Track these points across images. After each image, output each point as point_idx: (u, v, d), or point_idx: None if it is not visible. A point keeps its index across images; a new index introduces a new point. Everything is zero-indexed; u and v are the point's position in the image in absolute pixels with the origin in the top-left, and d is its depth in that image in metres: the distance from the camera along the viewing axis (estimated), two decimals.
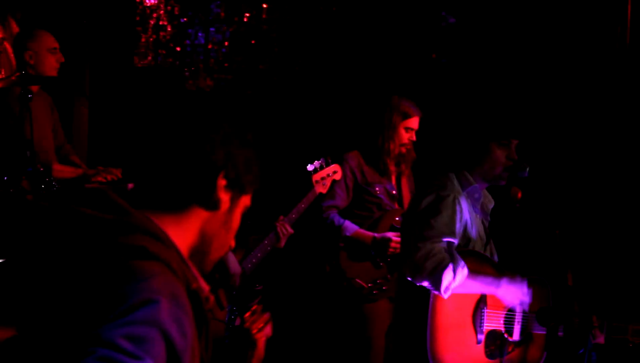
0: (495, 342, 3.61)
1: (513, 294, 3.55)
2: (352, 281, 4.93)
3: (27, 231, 1.72)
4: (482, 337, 3.57)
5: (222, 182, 1.83)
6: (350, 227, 4.97)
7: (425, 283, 3.44)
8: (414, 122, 5.04)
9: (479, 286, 3.55)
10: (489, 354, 3.60)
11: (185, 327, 1.60)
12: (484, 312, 3.57)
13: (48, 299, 1.60)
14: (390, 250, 4.90)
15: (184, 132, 1.84)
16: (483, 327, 3.58)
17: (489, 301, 3.58)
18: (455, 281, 3.41)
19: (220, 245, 1.90)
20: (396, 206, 5.09)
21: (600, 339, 3.73)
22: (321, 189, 4.77)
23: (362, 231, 4.97)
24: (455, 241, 3.54)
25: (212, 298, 1.79)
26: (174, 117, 1.88)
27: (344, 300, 5.00)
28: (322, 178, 4.78)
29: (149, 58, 6.29)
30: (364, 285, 4.92)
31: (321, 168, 4.79)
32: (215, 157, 1.83)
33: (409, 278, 3.50)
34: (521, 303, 3.58)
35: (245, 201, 1.92)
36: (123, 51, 6.32)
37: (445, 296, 3.43)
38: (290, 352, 5.40)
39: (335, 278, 5.01)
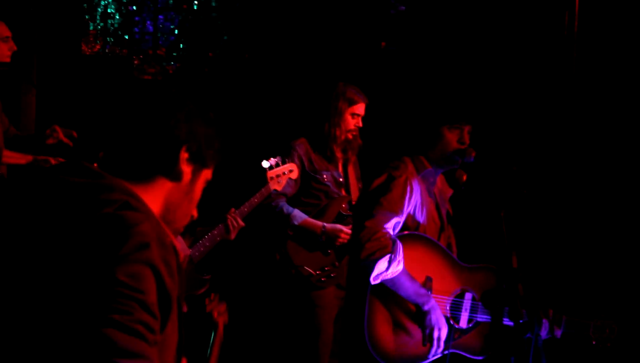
0: None
1: (436, 317, 3.56)
2: (301, 269, 4.94)
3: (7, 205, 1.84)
4: None
5: (184, 155, 1.96)
6: (299, 216, 4.98)
7: (361, 264, 3.47)
8: (359, 108, 5.07)
9: (407, 292, 3.55)
10: None
11: (173, 268, 1.76)
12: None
13: (43, 265, 1.71)
14: (340, 240, 4.93)
15: (150, 109, 1.98)
16: None
17: (434, 285, 3.59)
18: (387, 273, 3.44)
19: (183, 214, 2.02)
20: (343, 193, 5.12)
21: (557, 333, 3.77)
22: (276, 186, 4.80)
23: (310, 220, 4.99)
24: (402, 220, 3.57)
25: (181, 255, 1.91)
26: (140, 97, 2.00)
27: (293, 288, 5.02)
28: (278, 176, 4.80)
29: (97, 46, 6.23)
30: (312, 272, 4.93)
31: (277, 165, 4.81)
32: (179, 131, 1.96)
33: (351, 255, 3.55)
34: (439, 330, 3.56)
35: (206, 174, 2.04)
36: (71, 39, 6.25)
37: (373, 283, 3.47)
38: (240, 339, 5.40)
39: (284, 266, 5.02)
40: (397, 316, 3.58)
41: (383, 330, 3.53)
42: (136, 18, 6.16)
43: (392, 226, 3.53)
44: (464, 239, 3.88)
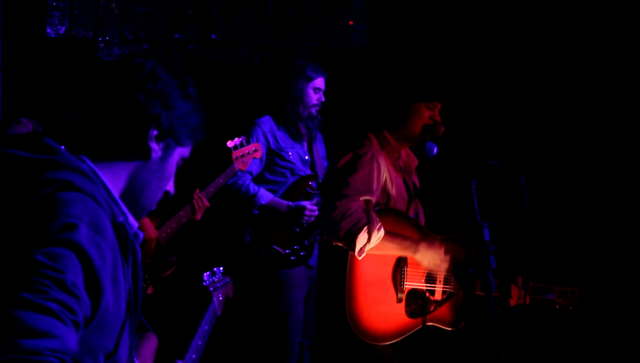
0: (416, 301, 3.60)
1: (431, 257, 3.54)
2: (270, 249, 4.92)
3: None
4: (402, 295, 3.56)
5: (153, 132, 1.87)
6: (265, 195, 4.97)
7: (341, 244, 3.42)
8: (320, 82, 5.08)
9: (396, 248, 3.52)
10: (410, 313, 3.59)
11: (105, 252, 1.69)
12: (404, 271, 3.56)
13: None
14: (305, 218, 4.91)
15: (115, 81, 1.88)
16: (404, 285, 3.56)
17: (409, 260, 3.57)
18: (370, 243, 3.38)
19: (151, 193, 1.94)
20: (309, 171, 5.10)
21: (526, 300, 3.78)
22: (240, 166, 4.77)
23: (276, 199, 4.98)
24: (373, 198, 3.52)
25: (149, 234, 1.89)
26: (107, 68, 1.91)
27: (262, 268, 5.00)
28: (242, 155, 4.77)
29: (63, 29, 6.16)
30: (281, 251, 4.91)
31: (242, 145, 4.78)
32: (149, 107, 1.86)
33: (325, 237, 3.49)
34: (439, 267, 3.58)
35: (182, 152, 1.96)
36: (35, 21, 6.17)
37: (359, 257, 3.41)
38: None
39: (253, 246, 5.00)
40: (377, 290, 3.55)
41: (363, 307, 3.50)
42: (100, 3, 6.09)
43: (363, 203, 3.48)
44: (434, 211, 3.87)
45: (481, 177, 3.33)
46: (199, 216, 4.59)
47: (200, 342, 2.42)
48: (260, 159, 4.99)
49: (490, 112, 5.73)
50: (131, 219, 1.90)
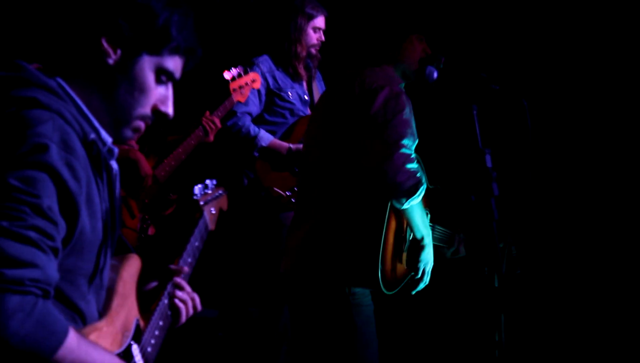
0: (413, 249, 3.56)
1: (431, 251, 3.50)
2: (270, 191, 4.88)
3: None
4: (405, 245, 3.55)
5: (104, 37, 1.78)
6: (266, 137, 4.90)
7: (391, 186, 3.17)
8: (320, 21, 4.97)
9: (420, 220, 3.38)
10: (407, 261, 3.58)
11: (78, 172, 1.66)
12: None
13: None
14: None
15: None
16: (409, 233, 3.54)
17: None
18: (419, 197, 3.24)
19: (121, 104, 1.82)
20: (309, 111, 5.03)
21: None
22: (239, 97, 4.68)
23: (277, 141, 4.92)
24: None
25: (123, 149, 1.82)
26: None
27: (262, 210, 4.95)
28: (240, 87, 4.68)
29: None
30: (282, 193, 4.86)
31: (239, 76, 4.68)
32: (100, 12, 1.77)
33: (376, 176, 3.18)
34: (431, 264, 3.51)
35: (156, 61, 1.83)
36: None
37: (404, 207, 3.23)
38: (207, 264, 5.32)
39: (253, 188, 4.94)
40: (397, 243, 3.48)
41: (389, 253, 3.39)
42: None
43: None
44: (434, 137, 3.76)
45: (483, 102, 3.26)
46: (212, 137, 4.51)
47: (190, 259, 2.33)
48: (260, 99, 4.92)
49: (491, 34, 5.56)
50: (104, 134, 1.84)
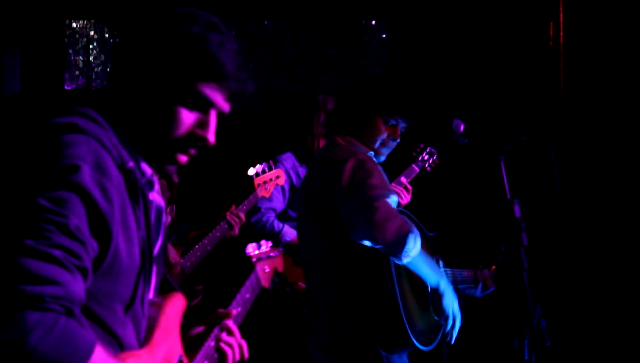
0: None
1: (452, 293, 3.47)
2: (295, 286, 4.85)
3: None
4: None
5: (137, 70, 1.85)
6: (290, 232, 4.92)
7: (383, 246, 3.22)
8: None
9: (428, 269, 3.39)
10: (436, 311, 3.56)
11: (111, 194, 1.66)
12: None
13: None
14: None
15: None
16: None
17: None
18: (416, 248, 3.26)
19: (152, 133, 1.85)
20: None
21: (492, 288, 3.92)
22: (263, 193, 4.71)
23: None
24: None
25: (162, 181, 1.86)
26: None
27: (288, 306, 4.93)
28: (265, 182, 4.71)
29: (82, 81, 6.24)
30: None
31: (263, 172, 4.72)
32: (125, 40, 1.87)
33: (365, 241, 3.23)
34: (452, 310, 3.47)
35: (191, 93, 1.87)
36: (54, 72, 6.23)
37: (404, 261, 3.26)
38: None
39: (277, 284, 4.93)
40: (418, 298, 3.48)
41: (414, 311, 3.38)
42: None
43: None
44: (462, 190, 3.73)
45: (510, 153, 3.30)
46: (236, 230, 4.49)
47: (240, 308, 2.35)
48: (284, 195, 4.96)
49: (516, 89, 5.66)
50: (144, 166, 1.86)
